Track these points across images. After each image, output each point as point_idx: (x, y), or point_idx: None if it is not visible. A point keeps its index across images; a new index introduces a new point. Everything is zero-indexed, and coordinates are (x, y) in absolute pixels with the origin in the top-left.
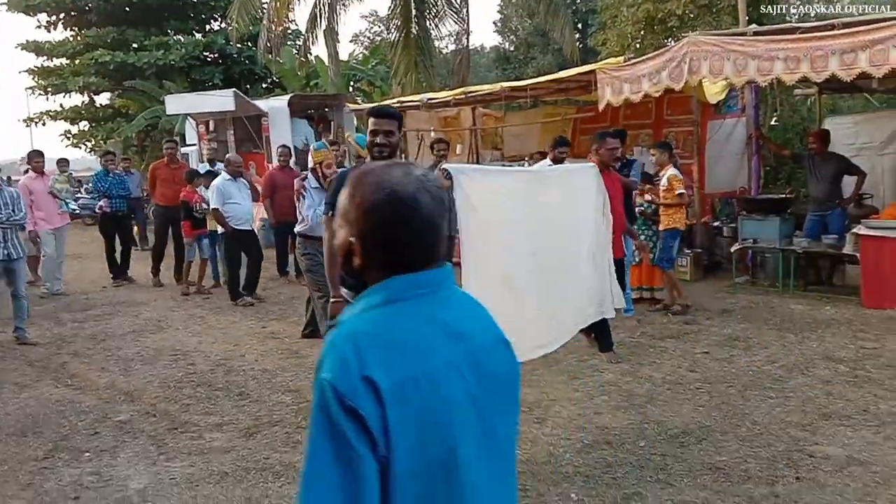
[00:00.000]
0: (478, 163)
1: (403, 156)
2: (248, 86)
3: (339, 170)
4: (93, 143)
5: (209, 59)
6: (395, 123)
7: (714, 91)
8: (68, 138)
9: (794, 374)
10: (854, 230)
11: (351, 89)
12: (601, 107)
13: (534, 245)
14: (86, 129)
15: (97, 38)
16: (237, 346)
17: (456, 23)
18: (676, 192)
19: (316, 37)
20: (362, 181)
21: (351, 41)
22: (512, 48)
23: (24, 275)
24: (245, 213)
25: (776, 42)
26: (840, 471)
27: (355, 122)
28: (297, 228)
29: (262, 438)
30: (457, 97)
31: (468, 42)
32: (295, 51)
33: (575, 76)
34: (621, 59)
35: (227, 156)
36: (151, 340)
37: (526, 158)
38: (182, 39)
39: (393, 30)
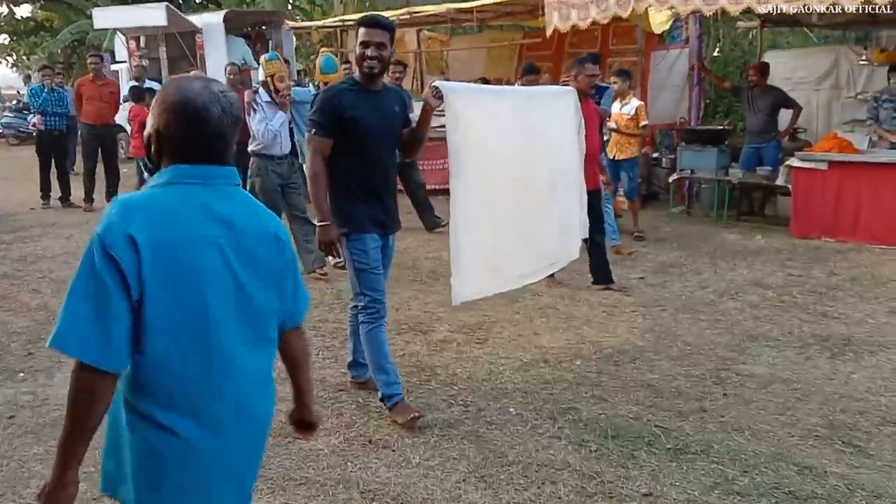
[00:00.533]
0: (422, 88)
1: (401, 70)
2: (180, 1)
3: (296, 87)
4: (14, 58)
5: None
6: (388, 35)
7: (659, 21)
8: None
9: (725, 299)
10: (787, 162)
11: (290, 7)
12: (549, 32)
13: (518, 169)
14: (5, 42)
15: None
16: None
17: None
18: (641, 124)
19: None
20: (170, 86)
21: None
22: None
23: None
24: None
25: None
26: (764, 388)
27: (295, 41)
28: (250, 147)
29: None
30: (401, 18)
31: None
32: None
33: (522, 0)
34: None
35: (225, 64)
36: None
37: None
38: None
39: None
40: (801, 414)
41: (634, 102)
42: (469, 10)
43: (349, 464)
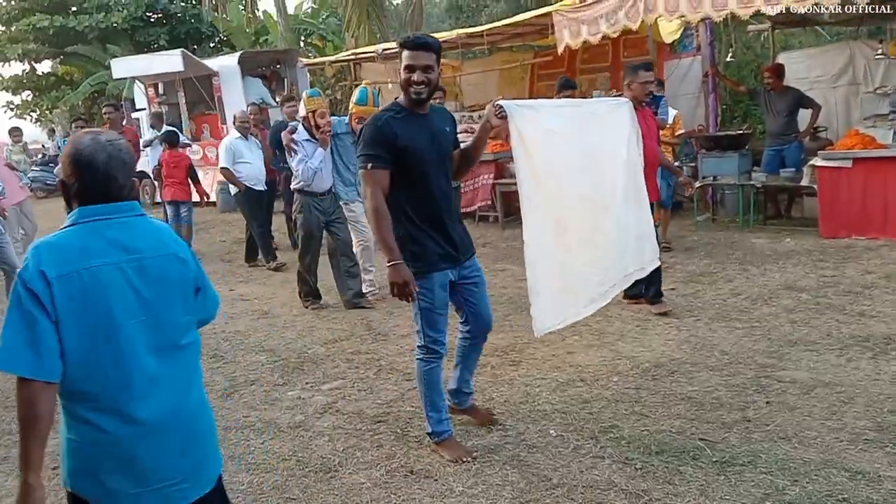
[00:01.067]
0: None
1: (441, 96)
2: (195, 46)
3: (336, 118)
4: (37, 113)
5: (153, 20)
6: (434, 57)
7: (669, 30)
8: (11, 109)
9: (759, 305)
10: (811, 162)
11: (302, 44)
12: (560, 50)
13: (584, 187)
14: (29, 98)
15: (33, 1)
16: None
17: None
18: (678, 132)
19: None
20: (69, 141)
21: None
22: None
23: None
24: (257, 173)
25: None
26: (807, 393)
27: (308, 77)
28: (293, 185)
29: (239, 398)
30: None
31: None
32: (241, 7)
33: (531, 20)
34: (577, 0)
35: (234, 113)
36: None
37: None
38: (123, 0)
39: None
40: (847, 418)
41: (671, 111)
42: (479, 34)
43: (392, 496)
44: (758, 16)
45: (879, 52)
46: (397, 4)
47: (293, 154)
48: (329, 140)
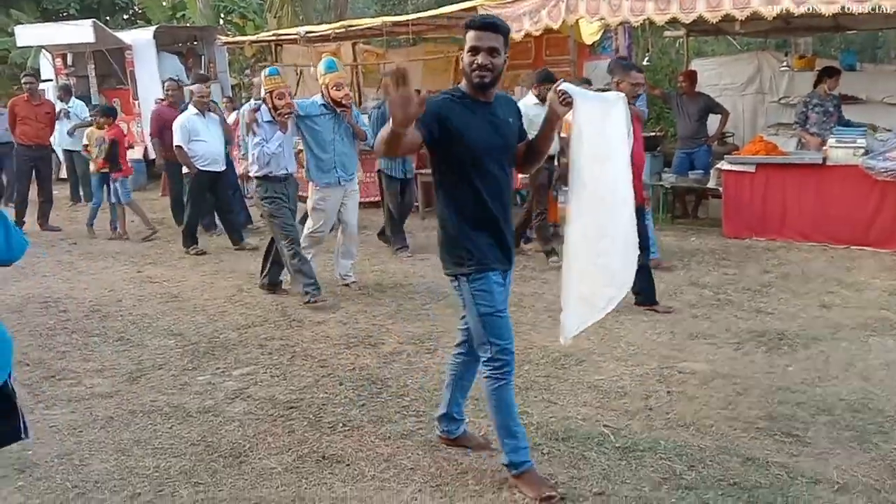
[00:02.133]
0: (360, 102)
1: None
2: (107, 17)
3: (308, 100)
4: None
5: None
6: (501, 39)
7: (590, 32)
8: None
9: (664, 300)
10: (717, 166)
11: (222, 22)
12: None
13: (602, 185)
14: None
15: None
16: (112, 292)
17: None
18: None
19: None
20: None
21: None
22: None
23: None
24: (214, 153)
25: None
26: (706, 384)
27: (227, 56)
28: (252, 171)
29: (146, 382)
30: (337, 31)
31: None
32: None
33: (457, 12)
34: None
35: (190, 87)
36: (17, 288)
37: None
38: None
39: None
40: (742, 407)
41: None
42: (405, 24)
43: (303, 481)
44: (673, 23)
45: (784, 64)
46: None
47: (251, 136)
48: (288, 123)
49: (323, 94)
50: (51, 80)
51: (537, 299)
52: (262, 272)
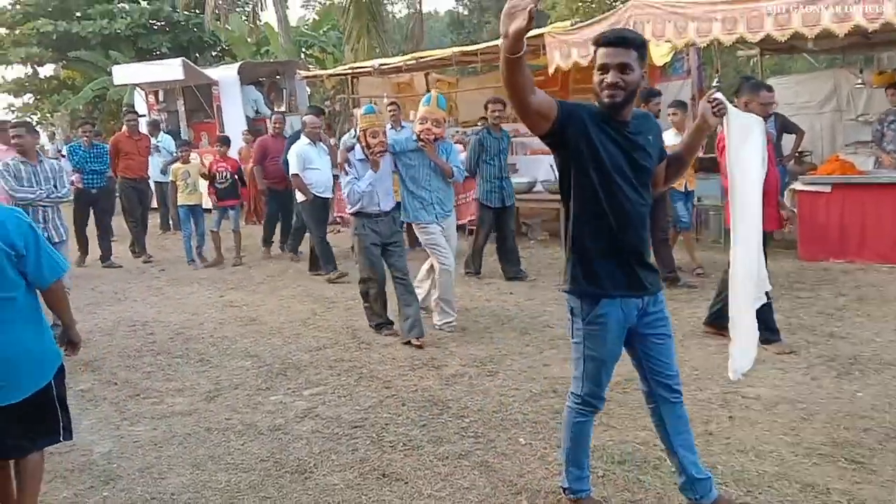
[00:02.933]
0: None
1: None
2: (196, 54)
3: (403, 136)
4: (38, 115)
5: (156, 27)
6: (633, 54)
7: (660, 53)
8: (12, 111)
9: None
10: (791, 186)
11: (303, 56)
12: (551, 70)
13: (748, 204)
14: (30, 101)
15: (38, 6)
16: (196, 315)
17: None
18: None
19: (265, 2)
20: None
21: (302, 6)
22: (466, 12)
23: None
24: (325, 180)
25: (714, 4)
26: (769, 409)
27: (308, 89)
28: (347, 209)
29: (223, 401)
30: (408, 63)
31: (421, 6)
32: (244, 17)
33: (525, 40)
34: (568, 23)
35: (302, 118)
36: (109, 312)
37: (478, 123)
38: (127, 7)
39: None
40: (805, 433)
41: None
42: (474, 53)
43: (364, 497)
44: (742, 42)
45: (859, 81)
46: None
47: (343, 174)
48: (380, 162)
49: (360, 138)
50: (144, 116)
51: None
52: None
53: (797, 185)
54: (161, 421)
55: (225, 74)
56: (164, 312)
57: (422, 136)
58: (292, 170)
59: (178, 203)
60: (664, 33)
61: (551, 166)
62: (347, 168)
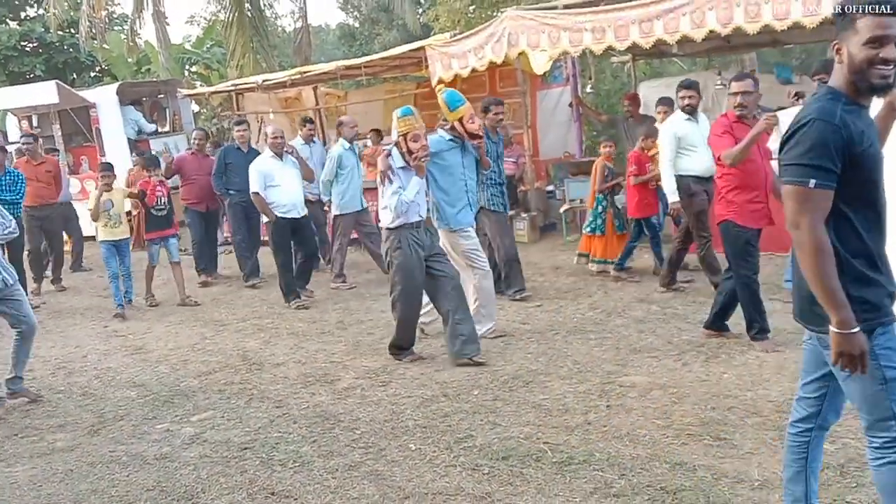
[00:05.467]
0: (324, 142)
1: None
2: (74, 75)
3: (435, 137)
4: None
5: (28, 49)
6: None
7: (540, 63)
8: None
9: (613, 317)
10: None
11: (187, 74)
12: (434, 83)
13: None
14: None
15: None
16: (78, 348)
17: (292, 0)
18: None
19: (144, 20)
20: None
21: (187, 22)
22: (357, 25)
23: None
24: (292, 197)
25: (583, 14)
26: (644, 396)
27: (194, 107)
28: (386, 223)
29: (107, 433)
30: (293, 77)
31: (306, 20)
32: (123, 36)
33: (406, 53)
34: (447, 35)
35: (265, 129)
36: None
37: (368, 135)
38: None
39: (225, 9)
40: (675, 416)
41: None
42: (357, 66)
43: None
44: (611, 50)
45: (719, 82)
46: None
47: (388, 183)
48: (424, 168)
49: (399, 144)
50: (17, 143)
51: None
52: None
53: None
54: (41, 459)
55: (103, 96)
56: (45, 347)
57: (479, 133)
58: (252, 188)
59: (100, 239)
60: (539, 44)
61: None
62: (391, 176)
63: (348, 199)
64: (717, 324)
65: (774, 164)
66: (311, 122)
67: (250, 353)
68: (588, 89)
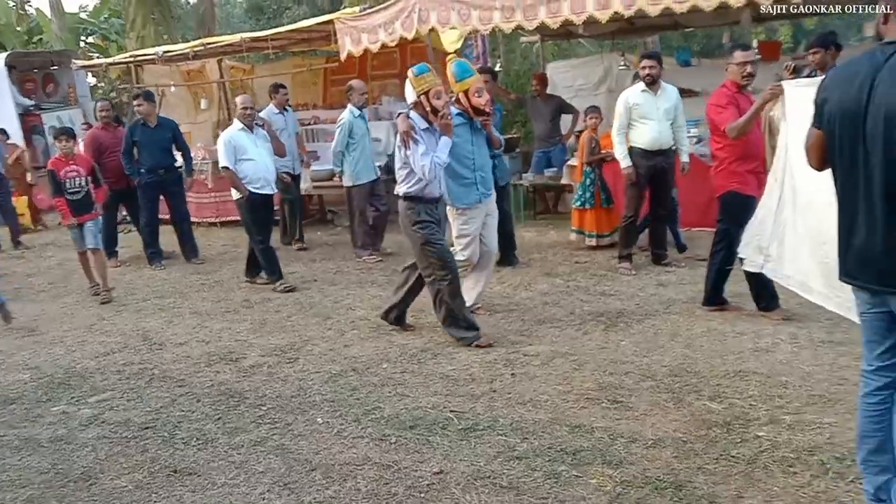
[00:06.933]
0: (230, 117)
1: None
2: None
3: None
4: None
5: None
6: None
7: (451, 40)
8: None
9: (519, 291)
10: (569, 163)
11: (83, 45)
12: (343, 56)
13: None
14: None
15: None
16: None
17: None
18: None
19: None
20: None
21: None
22: None
23: None
24: (263, 171)
25: None
26: (547, 363)
27: (91, 80)
28: (403, 189)
29: None
30: (196, 49)
31: None
32: (11, 3)
33: (315, 27)
34: (358, 8)
35: (236, 98)
36: None
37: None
38: None
39: None
40: (575, 382)
41: None
42: (264, 39)
43: (153, 495)
44: (520, 29)
45: (622, 63)
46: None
47: (413, 145)
48: (451, 128)
49: (420, 104)
50: None
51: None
52: (390, 307)
53: (573, 161)
54: None
55: None
56: None
57: (486, 109)
58: (221, 162)
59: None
60: (449, 20)
61: None
62: (415, 136)
63: (361, 168)
64: (715, 298)
65: None
66: (283, 87)
67: (151, 332)
68: (497, 68)
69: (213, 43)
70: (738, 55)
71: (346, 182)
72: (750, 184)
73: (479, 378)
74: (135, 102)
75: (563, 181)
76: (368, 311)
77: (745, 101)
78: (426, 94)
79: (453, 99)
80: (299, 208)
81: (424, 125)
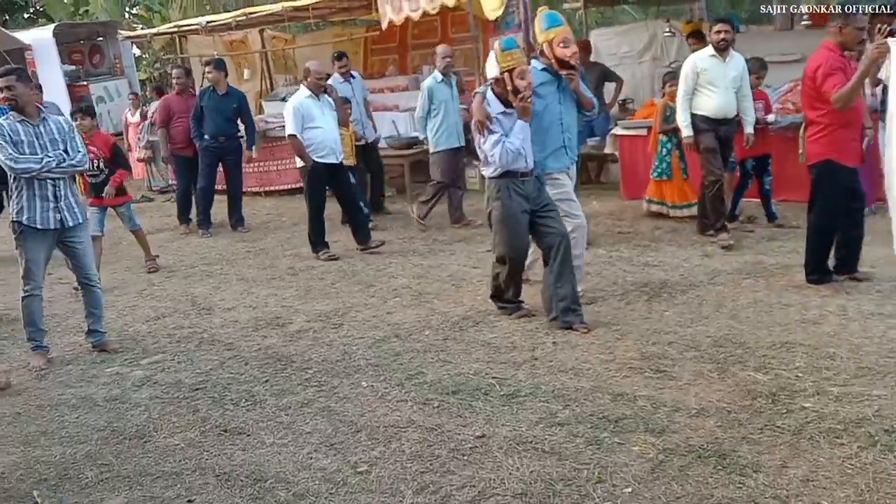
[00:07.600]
0: (272, 87)
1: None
2: (6, 16)
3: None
4: None
5: None
6: None
7: (492, 7)
8: None
9: None
10: (612, 131)
11: (127, 16)
12: (384, 25)
13: None
14: None
15: None
16: None
17: None
18: None
19: None
20: None
21: None
22: None
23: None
24: (331, 141)
25: None
26: (589, 332)
27: (136, 51)
28: (489, 172)
29: (55, 378)
30: (238, 19)
31: None
32: None
33: None
34: None
35: (307, 64)
36: None
37: None
38: None
39: None
40: (618, 351)
41: None
42: (306, 8)
43: (205, 453)
44: None
45: (668, 30)
46: None
47: (488, 133)
48: (530, 110)
49: (501, 81)
50: None
51: (443, 270)
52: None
53: (617, 130)
54: None
55: (39, 37)
56: None
57: (572, 62)
58: (288, 129)
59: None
60: None
61: (394, 122)
62: (491, 126)
63: (443, 134)
64: (847, 266)
65: None
66: (345, 55)
67: (199, 298)
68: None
69: (255, 13)
70: (861, 20)
71: (431, 148)
72: (849, 154)
73: (521, 346)
74: (206, 69)
75: (607, 150)
76: (410, 280)
77: (850, 66)
78: (510, 71)
79: (538, 52)
80: (379, 178)
81: (501, 108)
